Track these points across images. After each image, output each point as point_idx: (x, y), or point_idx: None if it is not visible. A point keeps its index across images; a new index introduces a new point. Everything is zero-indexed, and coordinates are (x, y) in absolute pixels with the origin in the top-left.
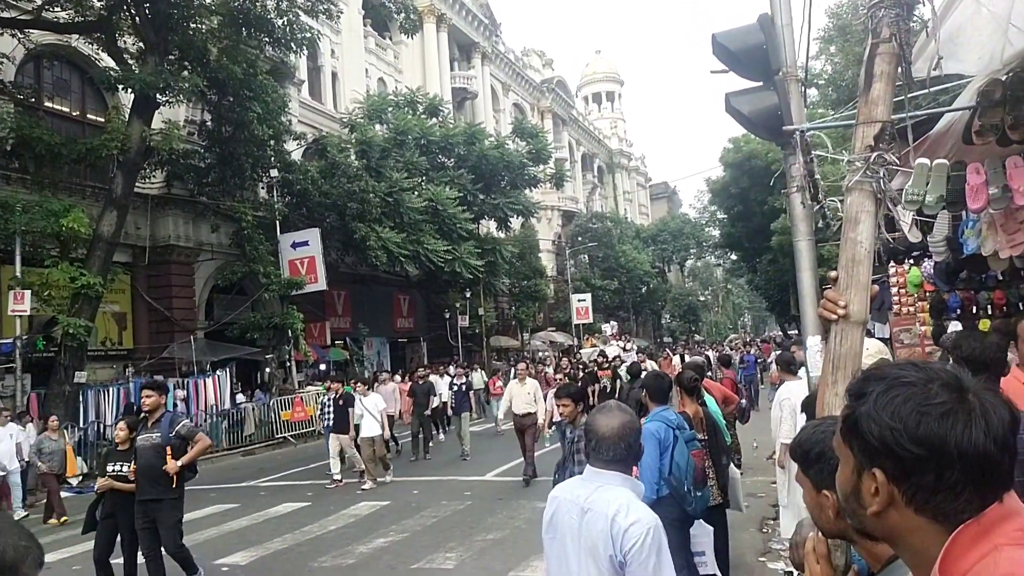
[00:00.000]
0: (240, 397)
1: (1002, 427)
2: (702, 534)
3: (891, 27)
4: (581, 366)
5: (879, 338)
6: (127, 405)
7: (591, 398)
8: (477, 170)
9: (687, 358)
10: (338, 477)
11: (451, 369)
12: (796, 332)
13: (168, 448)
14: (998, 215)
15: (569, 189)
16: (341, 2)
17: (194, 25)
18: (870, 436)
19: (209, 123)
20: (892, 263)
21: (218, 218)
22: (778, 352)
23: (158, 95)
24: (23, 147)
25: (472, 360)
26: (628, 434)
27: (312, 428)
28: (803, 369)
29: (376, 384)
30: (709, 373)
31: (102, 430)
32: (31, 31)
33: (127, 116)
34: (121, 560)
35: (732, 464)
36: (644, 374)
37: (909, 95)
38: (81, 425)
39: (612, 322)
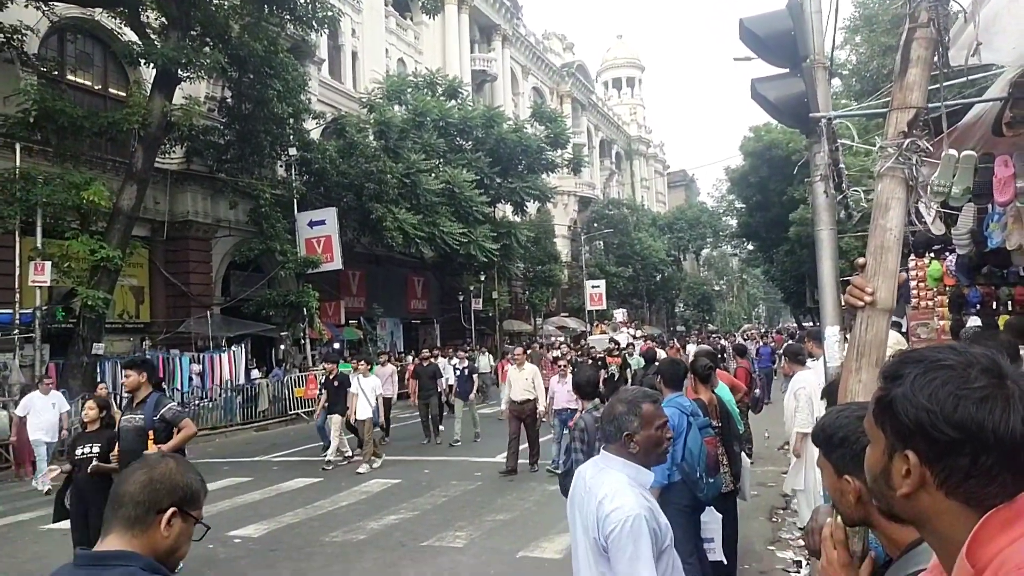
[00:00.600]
0: (255, 373)
1: None
2: (712, 521)
3: (929, 11)
4: (590, 352)
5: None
6: None
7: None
8: (495, 153)
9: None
10: (347, 452)
11: (457, 353)
12: (811, 324)
13: (151, 432)
14: None
15: (586, 175)
16: None
17: (216, 1)
18: (905, 417)
19: (229, 100)
20: (913, 256)
21: (236, 195)
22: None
23: (179, 71)
24: (45, 119)
25: (484, 343)
26: (613, 415)
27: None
28: (811, 359)
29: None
30: (723, 363)
31: (119, 402)
32: (55, 4)
33: (148, 91)
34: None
35: (743, 453)
36: (659, 360)
37: (945, 83)
38: None
39: (623, 309)
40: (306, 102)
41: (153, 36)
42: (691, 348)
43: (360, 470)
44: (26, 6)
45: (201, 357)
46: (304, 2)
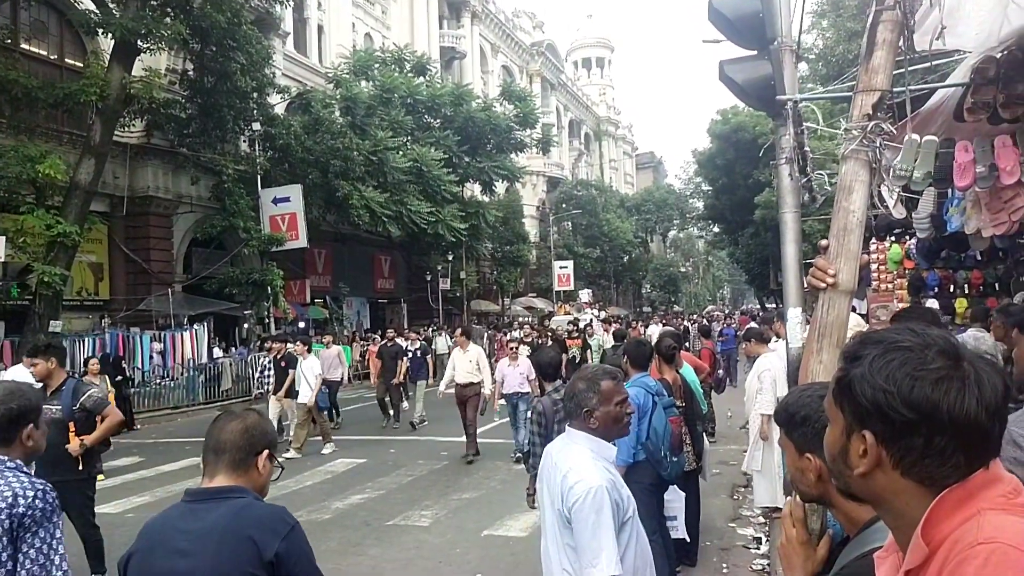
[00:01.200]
0: (217, 352)
1: (995, 396)
2: (675, 499)
3: None
4: (549, 334)
5: (857, 313)
6: (102, 356)
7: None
8: (463, 132)
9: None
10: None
11: (409, 335)
12: (774, 305)
13: (71, 424)
14: (983, 194)
15: (555, 155)
16: None
17: None
18: (863, 398)
19: (191, 73)
20: (874, 239)
21: (198, 170)
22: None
23: (139, 41)
24: None
25: (452, 323)
26: (572, 392)
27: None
28: (777, 340)
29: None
30: (688, 344)
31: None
32: None
33: (107, 62)
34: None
35: (705, 433)
36: (625, 340)
37: (910, 67)
38: None
39: (587, 289)
40: (270, 76)
41: (111, 5)
42: (653, 329)
43: (288, 454)
44: None
45: (162, 335)
46: None
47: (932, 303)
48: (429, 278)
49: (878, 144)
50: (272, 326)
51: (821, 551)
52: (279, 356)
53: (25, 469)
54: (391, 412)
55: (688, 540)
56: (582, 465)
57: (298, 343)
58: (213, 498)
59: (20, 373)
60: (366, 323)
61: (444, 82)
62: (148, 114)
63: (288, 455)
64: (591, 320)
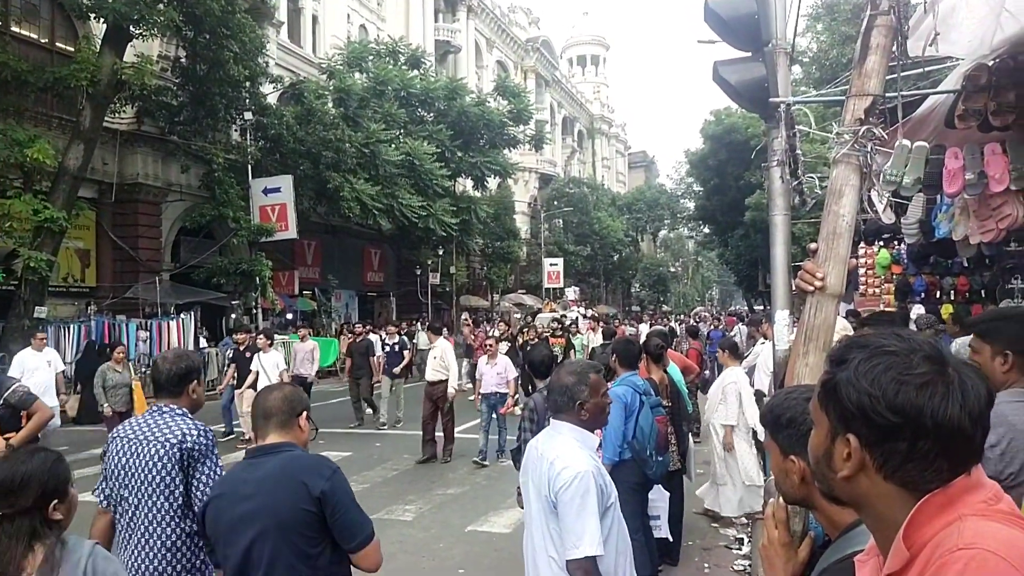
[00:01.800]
0: (203, 342)
1: (978, 402)
2: (659, 499)
3: (890, 0)
4: (531, 332)
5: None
6: (88, 343)
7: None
8: (456, 126)
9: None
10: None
11: (387, 328)
12: (762, 307)
13: None
14: (972, 201)
15: (548, 152)
16: None
17: None
18: (848, 401)
19: (183, 60)
20: (863, 244)
21: (188, 158)
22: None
23: (131, 27)
24: None
25: (442, 319)
26: (564, 385)
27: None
28: (763, 341)
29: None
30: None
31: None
32: None
33: (98, 47)
34: None
35: (690, 433)
36: (615, 339)
37: (902, 72)
38: None
39: (574, 287)
40: (263, 65)
41: None
42: (643, 328)
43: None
44: None
45: (149, 324)
46: None
47: (918, 308)
48: (419, 272)
49: (869, 149)
50: (260, 317)
51: (803, 553)
52: (243, 348)
53: (190, 416)
54: (369, 412)
55: (671, 539)
56: (568, 452)
57: (261, 335)
58: (268, 453)
59: (29, 357)
60: (355, 316)
61: (438, 76)
62: (139, 100)
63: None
64: (577, 318)
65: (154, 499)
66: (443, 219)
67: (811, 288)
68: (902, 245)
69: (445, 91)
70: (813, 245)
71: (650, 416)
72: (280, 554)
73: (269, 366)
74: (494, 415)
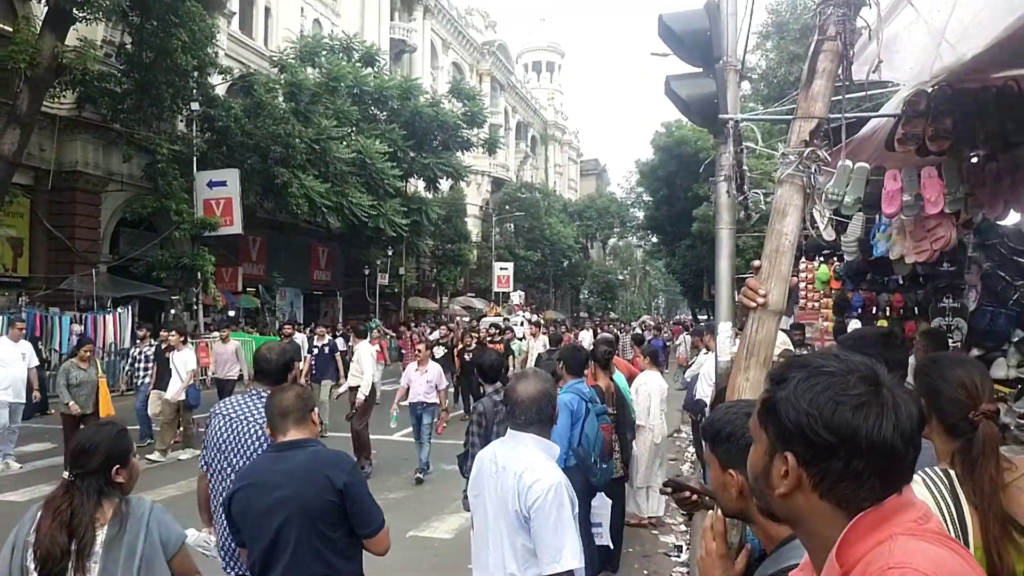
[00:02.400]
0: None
1: (910, 423)
2: (602, 506)
3: (837, 25)
4: (471, 337)
5: (783, 330)
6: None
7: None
8: (410, 126)
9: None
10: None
11: (317, 330)
12: (706, 317)
13: None
14: (908, 222)
15: (501, 156)
16: None
17: None
18: (786, 420)
19: (129, 46)
20: (804, 259)
21: (131, 148)
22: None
23: (74, 9)
24: None
25: (390, 320)
26: (540, 399)
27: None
28: (706, 352)
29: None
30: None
31: None
32: None
33: (38, 28)
34: None
35: (633, 440)
36: (561, 346)
37: (847, 95)
38: None
39: (519, 292)
40: (213, 56)
41: None
42: (584, 336)
43: (151, 456)
44: None
45: (83, 317)
46: None
47: (855, 323)
48: (367, 272)
49: (813, 170)
50: (201, 313)
51: (739, 564)
52: (166, 347)
53: None
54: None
55: (612, 547)
56: (537, 464)
57: (173, 332)
58: (293, 447)
59: (4, 347)
60: (299, 315)
61: (393, 74)
62: (80, 86)
63: (151, 457)
64: (522, 322)
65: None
66: (393, 219)
67: (753, 304)
68: (841, 262)
69: (399, 90)
70: (756, 262)
71: (595, 424)
72: (305, 537)
73: (179, 364)
74: (423, 426)
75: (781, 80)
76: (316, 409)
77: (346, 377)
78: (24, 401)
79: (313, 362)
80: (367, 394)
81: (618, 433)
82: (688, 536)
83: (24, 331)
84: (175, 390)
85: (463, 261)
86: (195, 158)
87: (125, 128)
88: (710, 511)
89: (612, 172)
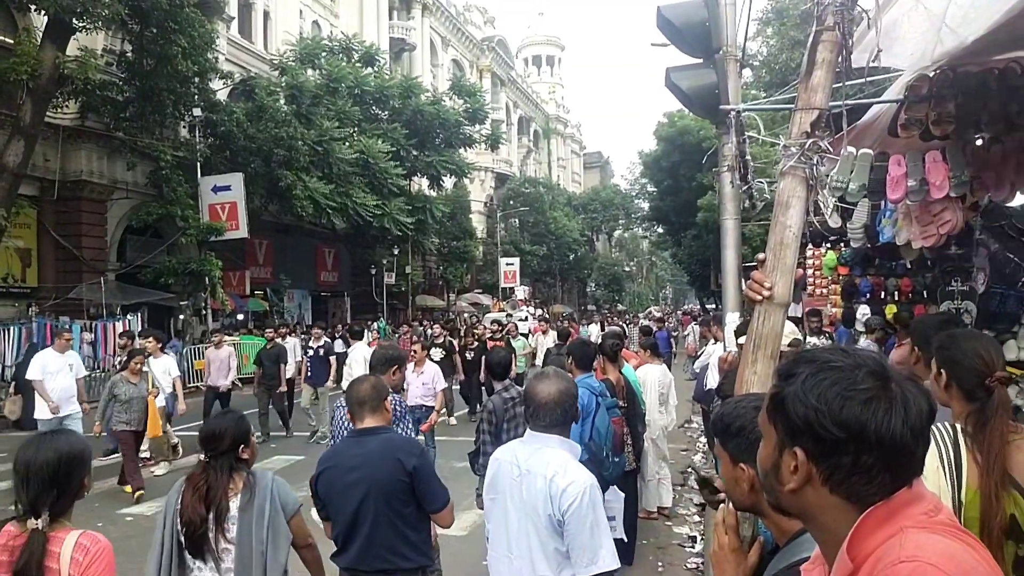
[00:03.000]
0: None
1: (920, 417)
2: (615, 500)
3: (835, 15)
4: (472, 336)
5: (790, 317)
6: (29, 345)
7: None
8: (411, 125)
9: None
10: (144, 455)
11: (313, 331)
12: (714, 306)
13: None
14: (914, 207)
15: (504, 151)
16: None
17: None
18: (795, 416)
19: (129, 54)
20: (810, 246)
21: (135, 155)
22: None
23: (74, 20)
24: None
25: (398, 319)
26: (564, 400)
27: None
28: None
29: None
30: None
31: (1, 371)
32: None
33: (39, 40)
34: None
35: (646, 432)
36: (569, 341)
37: (847, 83)
38: None
39: (523, 286)
40: (213, 61)
41: None
42: (592, 329)
43: (155, 471)
44: None
45: (93, 325)
46: None
47: (864, 308)
48: (374, 272)
49: (815, 161)
50: (209, 318)
51: (752, 558)
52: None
53: (393, 391)
54: (282, 424)
55: (626, 540)
56: (568, 467)
57: (150, 339)
58: (369, 433)
59: (51, 359)
60: (308, 316)
61: (393, 74)
62: (83, 95)
63: (156, 472)
64: (526, 316)
65: None
66: (398, 218)
67: (759, 297)
68: (848, 247)
69: (400, 89)
70: (761, 255)
71: (606, 418)
72: (381, 512)
73: (159, 372)
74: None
75: (783, 66)
76: (389, 397)
77: (339, 381)
78: (78, 411)
79: (308, 365)
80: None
81: (629, 426)
82: (702, 527)
83: (71, 341)
84: (163, 399)
85: (469, 258)
86: (199, 164)
87: (128, 136)
88: (722, 504)
89: (615, 164)
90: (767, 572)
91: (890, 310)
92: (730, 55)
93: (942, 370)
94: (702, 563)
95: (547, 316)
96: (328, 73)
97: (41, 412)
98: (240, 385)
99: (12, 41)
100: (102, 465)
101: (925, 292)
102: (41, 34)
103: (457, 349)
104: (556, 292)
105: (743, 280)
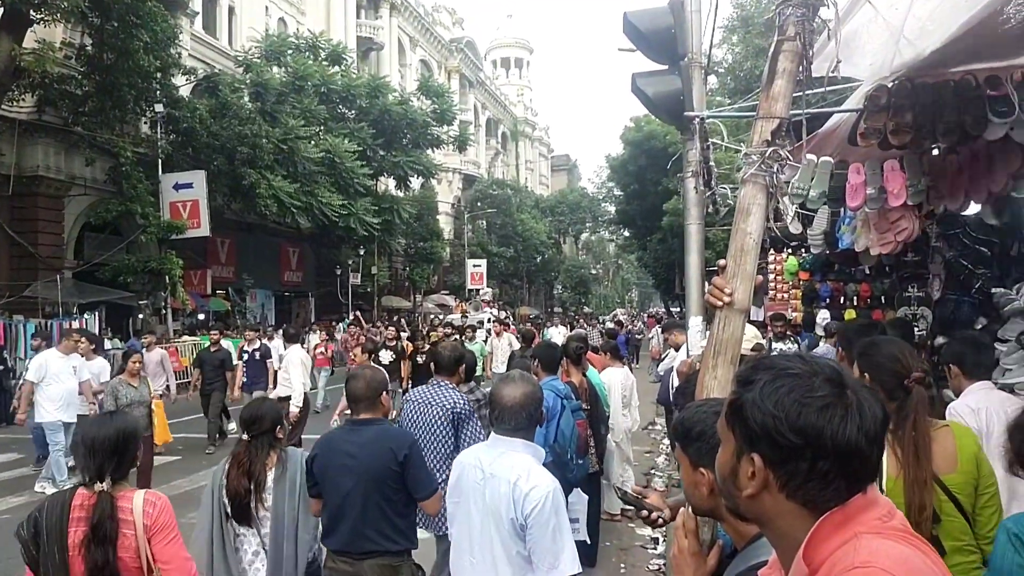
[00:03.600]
0: (108, 343)
1: (874, 424)
2: (578, 502)
3: (796, 26)
4: (423, 339)
5: (753, 321)
6: None
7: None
8: (379, 125)
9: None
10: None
11: (246, 334)
12: (678, 309)
13: None
14: (872, 214)
15: (472, 153)
16: None
17: None
18: (753, 422)
19: (89, 48)
20: (772, 251)
21: (94, 151)
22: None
23: (32, 11)
24: None
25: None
26: (529, 404)
27: (187, 379)
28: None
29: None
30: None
31: None
32: None
33: None
34: None
35: (609, 435)
36: (535, 343)
37: (808, 92)
38: None
39: (485, 288)
40: (176, 56)
41: None
42: (552, 332)
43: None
44: None
45: (49, 324)
46: None
47: (824, 313)
48: (339, 272)
49: (776, 169)
50: (169, 317)
51: (711, 561)
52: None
53: (457, 389)
54: (215, 434)
55: (588, 542)
56: (532, 471)
57: (83, 339)
58: (366, 424)
59: (53, 360)
60: (271, 317)
61: (360, 73)
62: (40, 89)
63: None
64: (489, 318)
65: (434, 444)
66: (364, 218)
67: (720, 303)
68: (809, 253)
69: (367, 88)
70: (722, 261)
71: (571, 420)
72: (371, 496)
73: (92, 375)
74: None
75: (747, 74)
76: (385, 392)
77: (275, 385)
78: (86, 411)
79: (244, 369)
80: (299, 405)
81: (593, 428)
82: (664, 529)
83: (79, 343)
84: (86, 404)
85: (436, 259)
86: (160, 160)
87: (87, 131)
88: (682, 508)
89: (583, 167)
90: (726, 574)
91: (849, 314)
92: (695, 62)
93: (865, 373)
94: (664, 564)
95: (505, 318)
96: (294, 71)
97: (42, 415)
98: (169, 391)
99: None
100: None
101: (883, 297)
102: None
103: (408, 353)
104: (523, 294)
105: (706, 284)
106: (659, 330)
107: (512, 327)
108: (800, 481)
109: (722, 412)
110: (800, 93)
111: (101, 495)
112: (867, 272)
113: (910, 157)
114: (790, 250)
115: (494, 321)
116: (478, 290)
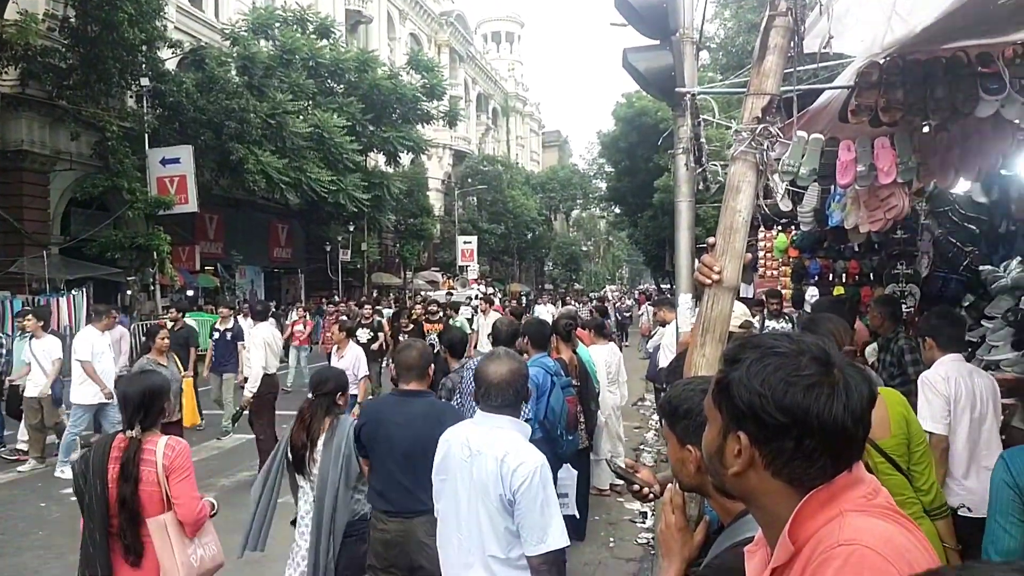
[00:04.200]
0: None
1: (860, 403)
2: (568, 477)
3: (788, 1)
4: (406, 318)
5: (742, 298)
6: None
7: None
8: (368, 99)
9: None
10: (23, 447)
11: (220, 310)
12: (668, 286)
13: None
14: (862, 192)
15: (462, 128)
16: None
17: None
18: (739, 400)
19: (73, 20)
20: (762, 229)
21: (79, 125)
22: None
23: None
24: None
25: (353, 296)
26: (516, 380)
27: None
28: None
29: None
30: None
31: None
32: None
33: None
34: None
35: (599, 411)
36: (525, 321)
37: (799, 68)
38: None
39: (473, 264)
40: (161, 29)
41: None
42: (540, 310)
43: (22, 468)
44: None
45: (36, 300)
46: None
47: (812, 290)
48: (329, 248)
49: (766, 147)
50: (158, 293)
51: (698, 536)
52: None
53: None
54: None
55: (577, 516)
56: (518, 447)
57: (29, 316)
58: (415, 395)
59: (96, 338)
60: (260, 293)
61: (349, 46)
62: (23, 62)
63: (21, 469)
64: (476, 295)
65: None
66: (354, 194)
67: (708, 281)
68: (799, 230)
69: (356, 62)
70: (711, 239)
71: (561, 396)
72: (419, 463)
73: (40, 354)
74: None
75: (739, 49)
76: (432, 365)
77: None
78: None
79: (213, 350)
80: (253, 390)
81: (582, 404)
82: (652, 504)
83: (117, 319)
84: (40, 384)
85: (426, 235)
86: (147, 135)
87: (72, 105)
88: (670, 485)
89: (574, 143)
90: (712, 550)
91: (837, 291)
92: (687, 37)
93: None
94: (652, 539)
95: (492, 295)
96: (282, 44)
97: (80, 396)
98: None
99: None
100: None
101: (872, 275)
102: None
103: (387, 330)
104: (514, 271)
105: (696, 262)
106: (649, 307)
107: (498, 304)
108: (786, 459)
109: (709, 390)
110: (791, 69)
111: (131, 440)
112: (856, 250)
113: (900, 134)
114: (780, 228)
115: (480, 298)
116: (467, 267)
